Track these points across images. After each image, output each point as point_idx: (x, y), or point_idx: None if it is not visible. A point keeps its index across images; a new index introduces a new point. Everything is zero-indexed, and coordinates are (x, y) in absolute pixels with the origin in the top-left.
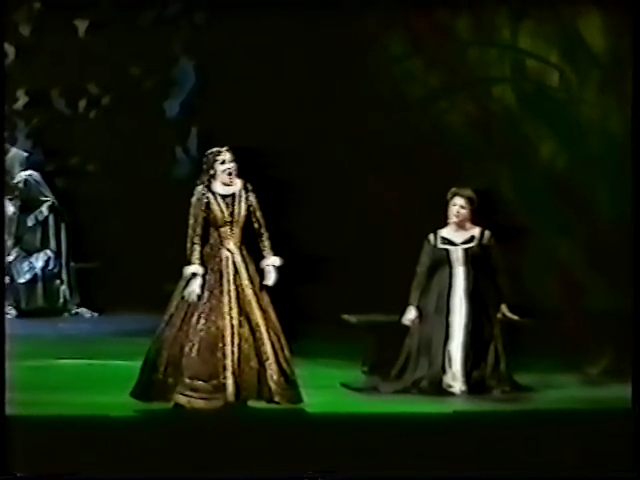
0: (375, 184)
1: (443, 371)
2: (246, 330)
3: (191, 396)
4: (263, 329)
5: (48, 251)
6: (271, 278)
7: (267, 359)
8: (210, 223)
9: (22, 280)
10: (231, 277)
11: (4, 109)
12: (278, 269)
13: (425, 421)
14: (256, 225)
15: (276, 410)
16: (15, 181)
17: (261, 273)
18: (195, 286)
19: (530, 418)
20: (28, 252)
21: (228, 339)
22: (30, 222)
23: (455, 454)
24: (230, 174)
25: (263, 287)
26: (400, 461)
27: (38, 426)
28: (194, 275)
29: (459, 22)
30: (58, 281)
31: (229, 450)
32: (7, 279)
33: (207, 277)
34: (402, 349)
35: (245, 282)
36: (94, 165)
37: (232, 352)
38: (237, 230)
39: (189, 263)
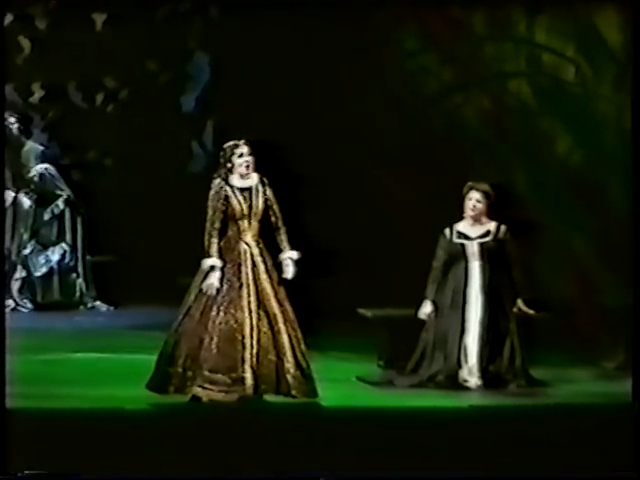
0: (391, 178)
1: (459, 365)
2: (265, 323)
3: (210, 389)
4: (281, 322)
5: (64, 245)
6: (290, 271)
7: (285, 353)
8: (228, 216)
9: (38, 273)
10: (249, 270)
11: (4, 107)
12: (295, 263)
13: (441, 415)
14: (273, 219)
15: (292, 404)
16: (31, 175)
17: (278, 267)
18: (214, 279)
19: (546, 412)
20: (44, 246)
21: (247, 332)
22: (46, 216)
23: (470, 448)
24: (248, 167)
25: (281, 280)
26: (415, 455)
27: (53, 419)
28: (212, 268)
29: (474, 17)
30: (74, 275)
31: (244, 444)
32: (24, 272)
33: (225, 270)
34: (418, 343)
35: (263, 275)
36: (110, 159)
37: (251, 345)
38: (255, 223)
39: (207, 256)
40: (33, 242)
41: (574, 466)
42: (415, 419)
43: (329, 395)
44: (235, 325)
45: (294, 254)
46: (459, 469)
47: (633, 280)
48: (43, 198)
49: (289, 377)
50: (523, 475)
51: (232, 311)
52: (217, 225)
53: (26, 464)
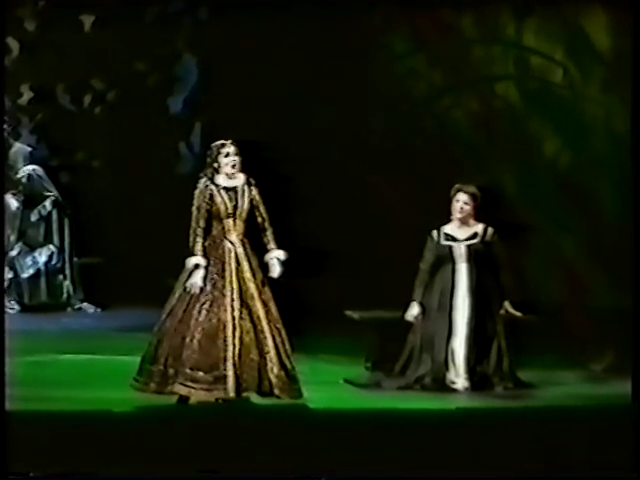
0: (379, 180)
1: (446, 367)
2: (247, 322)
3: (192, 387)
4: (264, 322)
5: (51, 246)
6: (276, 271)
7: (268, 352)
8: (213, 215)
9: (25, 275)
10: (233, 269)
11: (4, 108)
12: (283, 263)
13: (428, 417)
14: (259, 219)
15: (278, 406)
16: (19, 176)
17: (264, 266)
18: (197, 278)
19: (533, 415)
20: (31, 247)
21: (229, 331)
22: (33, 217)
23: (458, 450)
24: (234, 166)
25: (266, 281)
26: (403, 457)
27: (40, 422)
28: (197, 266)
29: (463, 20)
30: (61, 276)
31: (231, 446)
32: (10, 274)
33: (209, 269)
34: (405, 345)
35: (247, 275)
36: (98, 160)
37: (233, 344)
38: (240, 223)
39: (192, 255)
40: (20, 243)
41: (564, 469)
42: (402, 421)
43: (316, 397)
44: (217, 324)
45: (281, 254)
46: (447, 471)
47: (632, 282)
48: (31, 199)
49: (272, 376)
50: (510, 478)
51: (215, 310)
52: (202, 224)
53: (15, 466)
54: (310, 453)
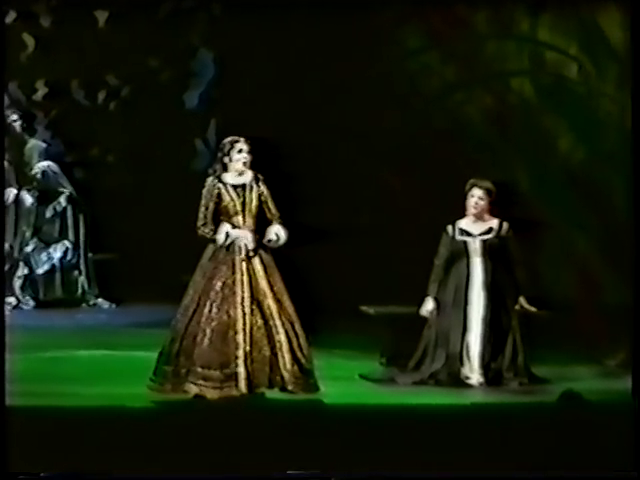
0: (393, 176)
1: (461, 363)
2: (258, 319)
3: (203, 385)
4: (276, 317)
5: (66, 242)
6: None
7: (280, 347)
8: (222, 213)
9: (40, 271)
10: (244, 266)
11: (3, 103)
12: (297, 256)
13: (442, 413)
14: (269, 215)
15: (293, 401)
16: (33, 172)
17: (276, 262)
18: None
19: (548, 410)
20: (46, 243)
21: (240, 327)
22: (48, 213)
23: (472, 446)
24: (244, 164)
25: (279, 276)
26: (417, 453)
27: (55, 417)
28: (227, 234)
29: (477, 15)
30: (76, 272)
31: (246, 441)
32: (26, 270)
33: (220, 267)
34: (420, 341)
35: (259, 270)
36: (113, 156)
37: (244, 340)
38: (250, 220)
39: (210, 241)
40: (35, 239)
41: (576, 463)
42: (417, 416)
43: (331, 392)
44: (228, 321)
45: (280, 230)
46: (461, 467)
47: (633, 278)
48: (45, 195)
49: (284, 372)
50: (524, 473)
51: (226, 307)
52: (209, 218)
53: (27, 462)
54: (325, 448)
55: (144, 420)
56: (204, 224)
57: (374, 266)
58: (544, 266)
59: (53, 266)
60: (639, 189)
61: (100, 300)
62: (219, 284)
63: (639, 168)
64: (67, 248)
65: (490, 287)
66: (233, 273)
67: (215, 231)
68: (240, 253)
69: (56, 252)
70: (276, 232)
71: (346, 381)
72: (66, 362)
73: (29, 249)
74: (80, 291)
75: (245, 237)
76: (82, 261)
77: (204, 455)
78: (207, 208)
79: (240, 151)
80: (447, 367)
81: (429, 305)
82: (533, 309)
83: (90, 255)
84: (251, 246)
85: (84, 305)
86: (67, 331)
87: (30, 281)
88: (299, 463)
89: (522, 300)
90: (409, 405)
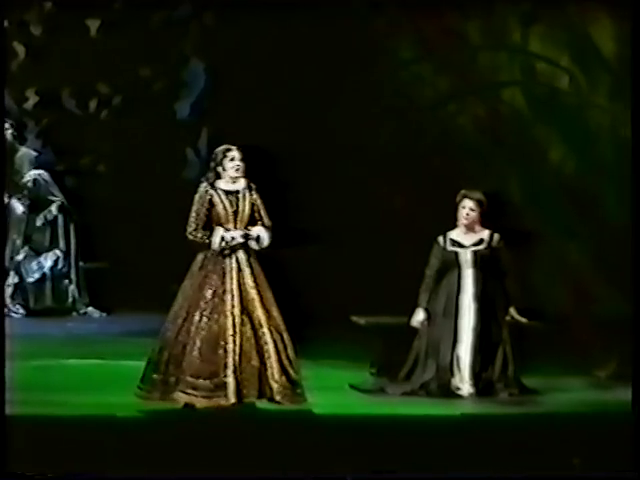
0: (385, 187)
1: (451, 373)
2: (248, 329)
3: (192, 394)
4: (265, 328)
5: (57, 251)
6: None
7: (269, 358)
8: (213, 220)
9: (31, 279)
10: (234, 275)
11: (4, 110)
12: (289, 269)
13: (433, 423)
14: (260, 223)
15: (283, 411)
16: (24, 180)
17: (267, 272)
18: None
19: (538, 421)
20: (37, 252)
21: (229, 337)
22: (39, 222)
23: (462, 456)
24: (237, 170)
25: (269, 286)
26: (407, 463)
27: (45, 426)
28: (222, 238)
29: (469, 26)
30: (67, 281)
31: (236, 451)
32: (16, 278)
33: (210, 275)
34: (410, 351)
35: (249, 281)
36: (104, 165)
37: (233, 350)
38: (241, 227)
39: (206, 243)
40: (26, 248)
41: (568, 476)
42: (407, 427)
43: (321, 402)
44: (218, 330)
45: (262, 230)
46: (451, 477)
47: (632, 288)
48: (36, 204)
49: (272, 383)
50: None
51: (215, 317)
52: (200, 224)
53: (19, 470)
54: (315, 458)
55: (134, 429)
56: (195, 229)
57: (365, 276)
58: (535, 277)
59: (44, 275)
60: (638, 201)
61: (90, 309)
62: (209, 293)
63: (638, 179)
64: (58, 257)
65: (481, 298)
66: (223, 282)
67: (209, 235)
68: (232, 258)
69: (47, 261)
70: (258, 233)
71: (336, 391)
72: (56, 371)
73: (20, 258)
74: (70, 300)
75: (238, 237)
76: (73, 270)
77: (193, 464)
78: (199, 214)
79: (233, 159)
80: (437, 378)
81: (420, 316)
82: (524, 320)
83: (81, 264)
84: (240, 240)
85: (74, 314)
86: (57, 340)
87: (20, 289)
88: (289, 473)
89: (512, 311)
90: (399, 415)
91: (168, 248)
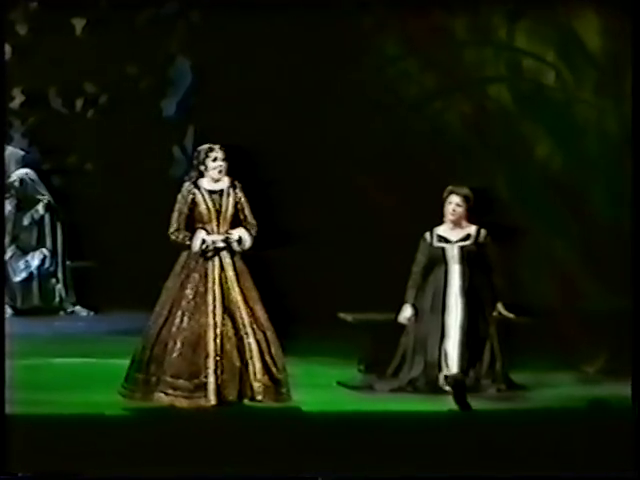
0: (372, 183)
1: (439, 369)
2: (229, 328)
3: (172, 395)
4: (248, 327)
5: (44, 250)
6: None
7: (251, 357)
8: (196, 219)
9: (18, 279)
10: (216, 275)
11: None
12: (276, 266)
13: (420, 419)
14: (244, 223)
15: (271, 409)
16: (11, 180)
17: (250, 270)
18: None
19: (526, 417)
20: (24, 251)
21: (210, 337)
22: (26, 221)
23: (450, 452)
24: (220, 171)
25: (253, 285)
26: (396, 459)
27: (33, 425)
28: (203, 241)
29: (455, 22)
30: (54, 280)
31: (224, 449)
32: None
33: (192, 275)
34: (398, 348)
35: (231, 279)
36: (90, 164)
37: (214, 350)
38: (224, 227)
39: (188, 244)
40: (13, 247)
41: (553, 471)
42: (395, 423)
43: (309, 400)
44: (199, 330)
45: (242, 231)
46: (440, 473)
47: (632, 285)
48: (23, 203)
49: (254, 382)
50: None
51: (197, 316)
52: (182, 225)
53: (6, 469)
54: (304, 455)
55: (122, 428)
56: (177, 229)
57: (352, 273)
58: (522, 272)
59: (31, 274)
60: (638, 201)
61: (78, 308)
62: (191, 292)
63: (637, 173)
64: (45, 256)
65: (468, 294)
66: (205, 282)
67: (191, 237)
68: (213, 263)
69: (34, 260)
70: (240, 235)
71: (324, 388)
72: (44, 370)
73: (6, 257)
74: (58, 299)
75: (219, 241)
76: (60, 269)
77: (182, 462)
78: (181, 214)
79: (215, 159)
80: (425, 374)
81: (407, 312)
82: (511, 315)
83: (68, 263)
84: (221, 245)
85: (62, 313)
86: (45, 339)
87: (7, 289)
88: (277, 471)
89: (500, 306)
90: (387, 412)
91: (155, 247)
